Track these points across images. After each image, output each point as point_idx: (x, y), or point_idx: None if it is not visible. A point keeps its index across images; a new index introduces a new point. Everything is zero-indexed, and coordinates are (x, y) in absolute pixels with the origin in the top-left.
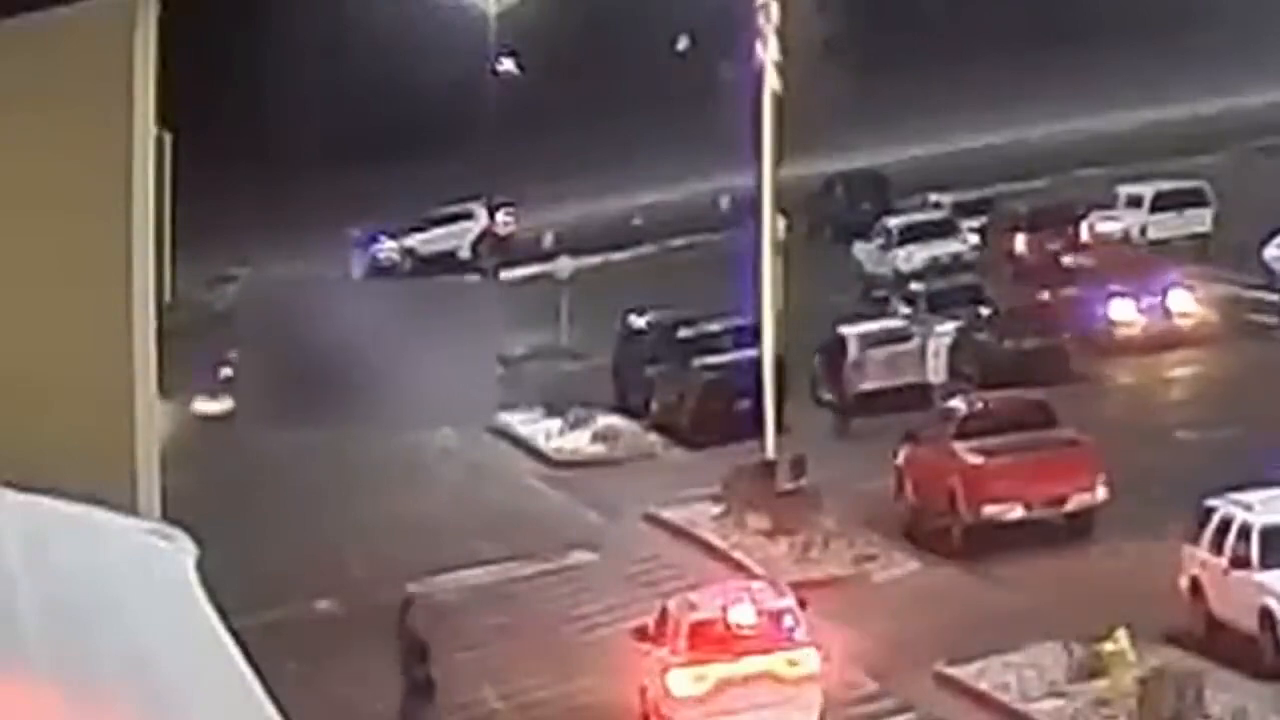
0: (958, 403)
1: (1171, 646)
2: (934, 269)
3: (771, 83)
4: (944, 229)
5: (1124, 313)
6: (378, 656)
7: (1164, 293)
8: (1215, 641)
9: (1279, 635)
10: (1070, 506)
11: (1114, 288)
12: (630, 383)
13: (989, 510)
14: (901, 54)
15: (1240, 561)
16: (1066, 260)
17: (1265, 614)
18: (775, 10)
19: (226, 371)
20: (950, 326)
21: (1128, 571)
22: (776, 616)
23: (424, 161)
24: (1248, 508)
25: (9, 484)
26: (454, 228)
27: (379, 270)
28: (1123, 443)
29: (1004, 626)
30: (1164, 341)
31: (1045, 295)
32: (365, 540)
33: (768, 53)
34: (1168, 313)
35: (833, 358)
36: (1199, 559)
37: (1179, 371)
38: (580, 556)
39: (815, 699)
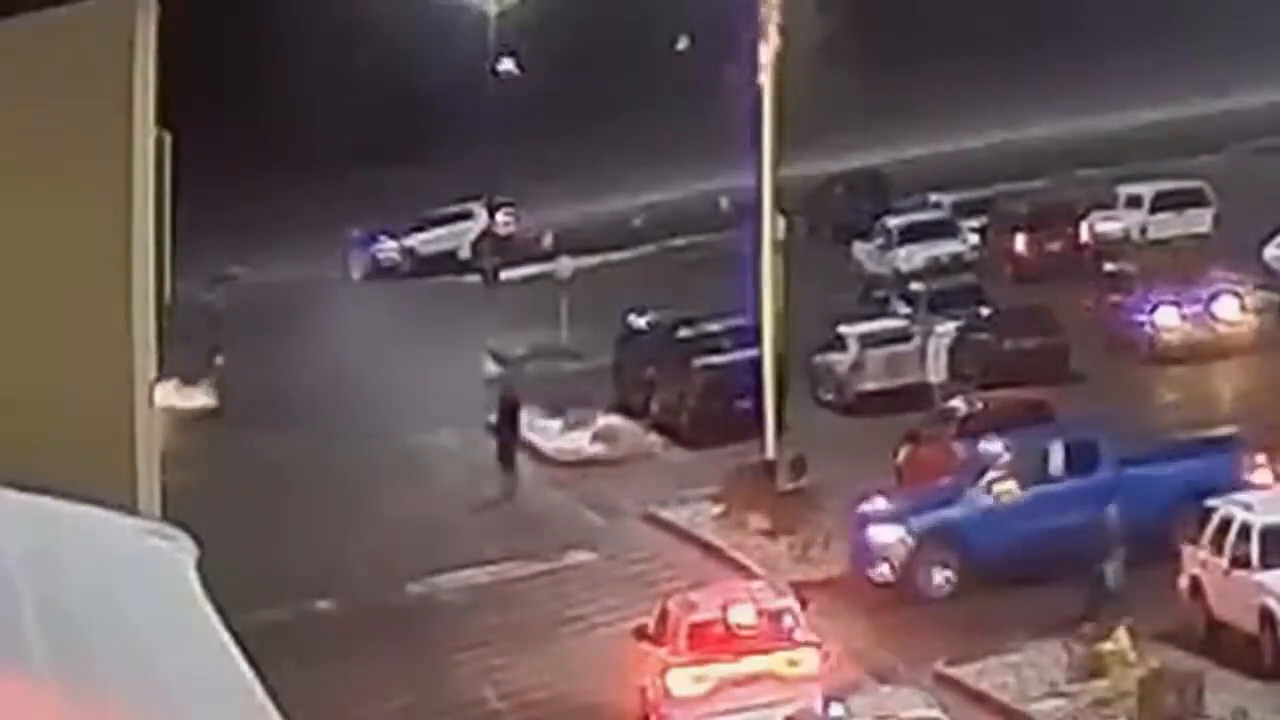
0: (958, 403)
1: (1171, 646)
2: (934, 269)
3: (771, 82)
4: (944, 229)
5: (1168, 319)
6: (377, 656)
7: (1210, 299)
8: (1215, 641)
9: (1279, 635)
10: None
11: (1160, 295)
12: (630, 383)
13: None
14: (901, 54)
15: (1240, 561)
16: (1110, 266)
17: (1265, 614)
18: (776, 11)
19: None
20: (950, 326)
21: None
22: (776, 616)
23: (424, 161)
24: (1248, 508)
25: (9, 484)
26: (454, 228)
27: (379, 270)
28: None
29: (1005, 626)
30: (1206, 349)
31: (1088, 301)
32: (365, 540)
33: (768, 52)
34: (1213, 319)
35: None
36: (1199, 559)
37: (1179, 372)
38: (580, 556)
39: (815, 699)
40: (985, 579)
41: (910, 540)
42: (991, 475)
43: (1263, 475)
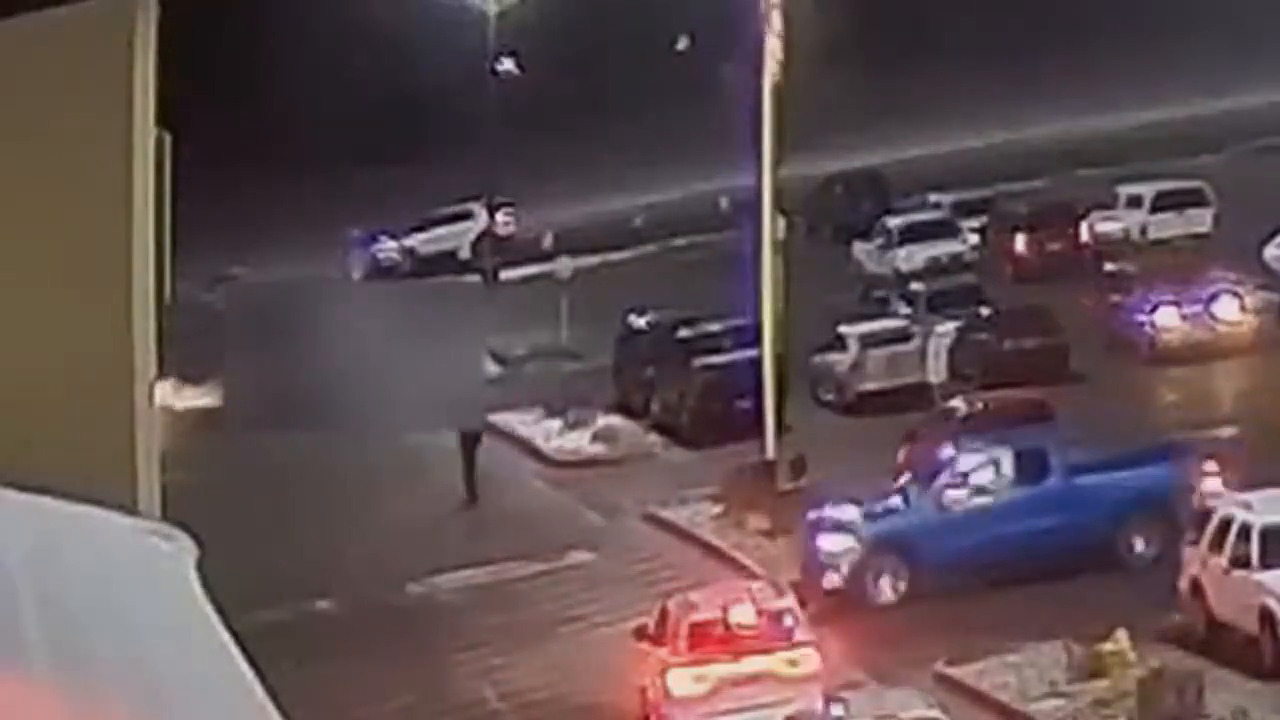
0: (958, 403)
1: (1171, 646)
2: (934, 269)
3: (771, 82)
4: (944, 229)
5: (1168, 319)
6: (377, 656)
7: (1210, 299)
8: (1215, 641)
9: (1279, 635)
10: None
11: (1160, 295)
12: (630, 383)
13: None
14: (901, 54)
15: (1240, 561)
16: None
17: (1265, 614)
18: (776, 10)
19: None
20: (950, 326)
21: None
22: (776, 616)
23: (424, 161)
24: (1248, 508)
25: (9, 484)
26: (454, 228)
27: (379, 270)
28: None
29: (1004, 626)
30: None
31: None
32: (365, 540)
33: (768, 52)
34: (1213, 319)
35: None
36: (1199, 559)
37: (1179, 372)
38: (580, 556)
39: (815, 699)
40: (936, 586)
41: (859, 548)
42: (941, 483)
43: (1213, 483)
